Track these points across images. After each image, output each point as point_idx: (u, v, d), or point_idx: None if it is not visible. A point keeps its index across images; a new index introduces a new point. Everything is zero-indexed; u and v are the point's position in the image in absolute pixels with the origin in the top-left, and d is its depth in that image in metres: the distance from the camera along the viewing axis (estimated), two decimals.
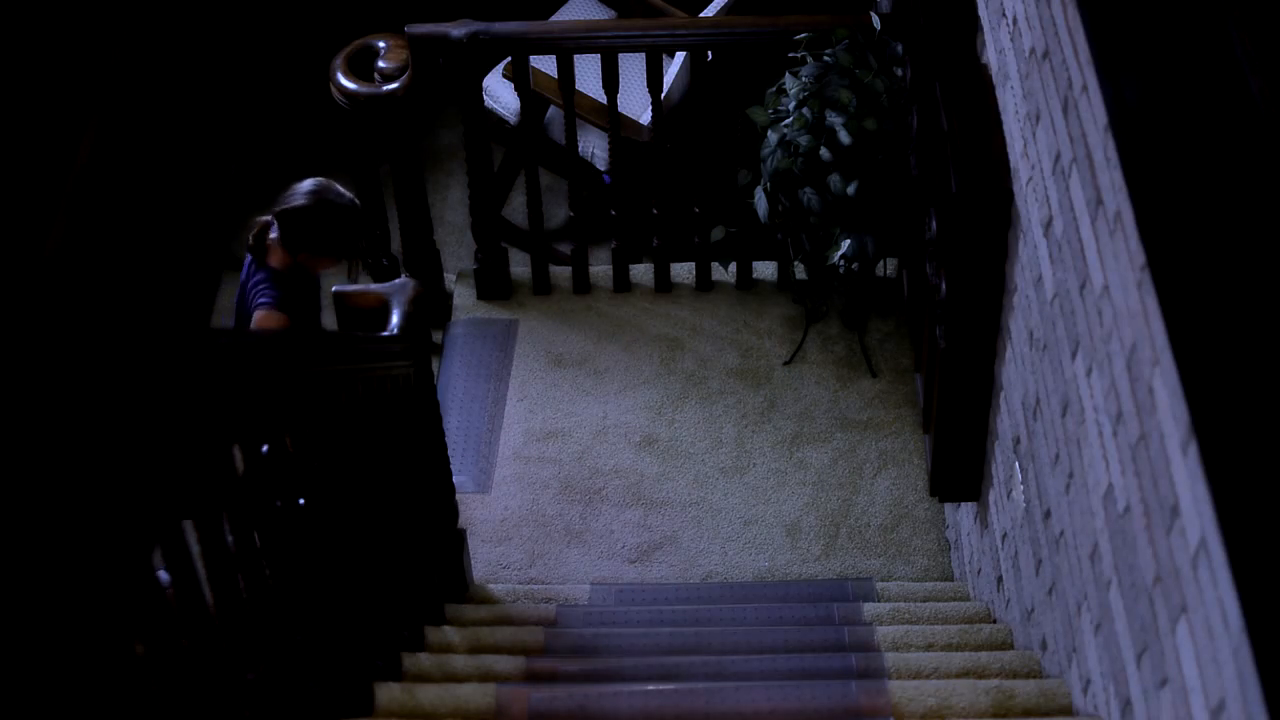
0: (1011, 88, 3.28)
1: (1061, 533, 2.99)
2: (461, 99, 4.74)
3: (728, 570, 4.48)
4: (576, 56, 4.67)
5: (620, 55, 4.65)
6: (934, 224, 3.75)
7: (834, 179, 4.24)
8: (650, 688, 3.16)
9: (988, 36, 3.52)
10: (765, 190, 4.42)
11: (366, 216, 4.02)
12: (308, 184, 3.88)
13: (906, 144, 4.15)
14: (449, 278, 5.34)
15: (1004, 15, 3.31)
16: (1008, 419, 3.51)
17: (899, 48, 4.26)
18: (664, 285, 5.19)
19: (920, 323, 4.02)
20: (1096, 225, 2.57)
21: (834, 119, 4.21)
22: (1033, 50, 3.04)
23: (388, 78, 4.61)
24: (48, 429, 1.75)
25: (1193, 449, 2.01)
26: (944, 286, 3.57)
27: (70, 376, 1.79)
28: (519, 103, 4.88)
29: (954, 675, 3.29)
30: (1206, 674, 2.00)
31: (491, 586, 4.27)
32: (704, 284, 5.19)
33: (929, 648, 3.57)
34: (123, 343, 1.92)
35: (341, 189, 3.92)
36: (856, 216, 4.30)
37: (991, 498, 3.78)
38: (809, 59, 4.34)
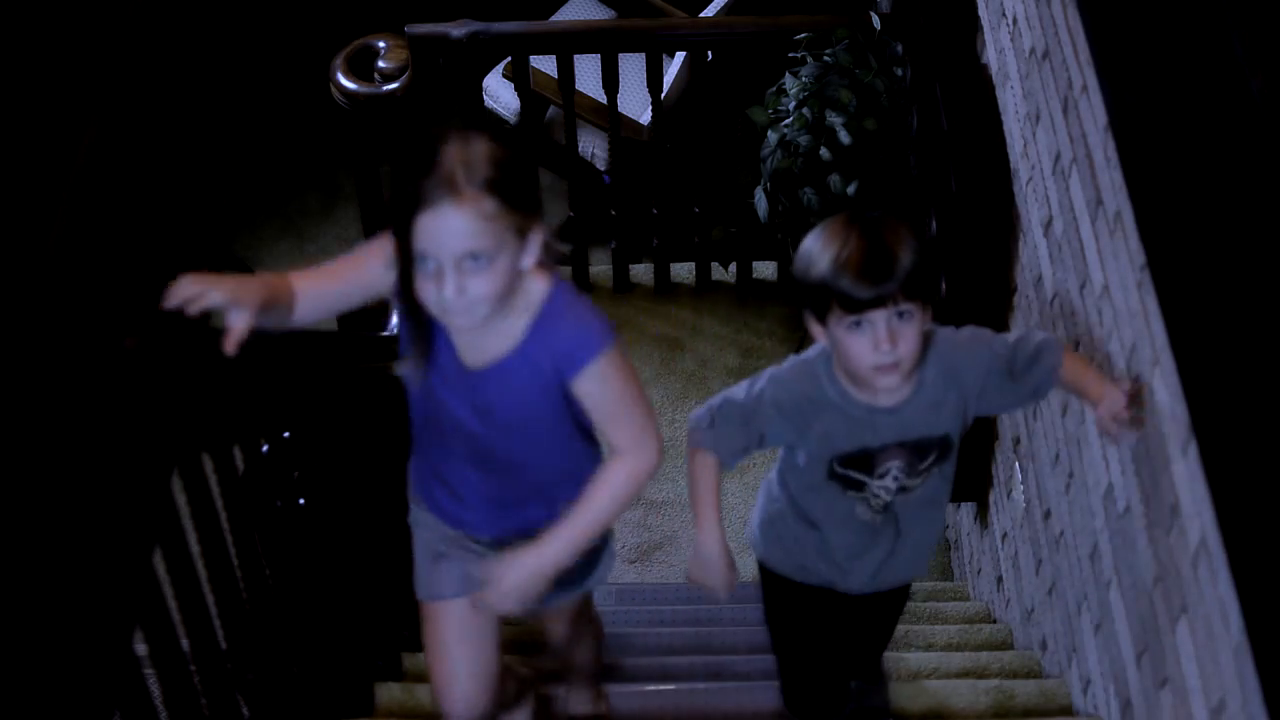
0: (1011, 88, 3.28)
1: (1061, 533, 2.99)
2: (461, 99, 4.74)
3: None
4: (576, 56, 4.67)
5: (620, 55, 4.65)
6: (934, 224, 3.75)
7: (834, 179, 4.23)
8: (650, 688, 3.16)
9: (988, 36, 3.52)
10: (765, 190, 4.42)
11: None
12: None
13: (906, 144, 4.15)
14: None
15: (1004, 15, 3.32)
16: (1008, 419, 3.50)
17: (899, 48, 4.25)
18: (664, 285, 5.19)
19: None
20: (1096, 225, 2.57)
21: (834, 119, 4.20)
22: (1033, 50, 3.04)
23: (388, 78, 4.61)
24: (48, 425, 1.75)
25: (1193, 449, 2.01)
26: (944, 287, 3.57)
27: (71, 372, 1.79)
28: (519, 103, 4.88)
29: (954, 675, 3.29)
30: (1206, 674, 2.00)
31: None
32: (704, 284, 5.18)
33: (929, 648, 3.57)
34: (124, 340, 1.92)
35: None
36: None
37: (991, 498, 3.78)
38: (809, 59, 4.33)
